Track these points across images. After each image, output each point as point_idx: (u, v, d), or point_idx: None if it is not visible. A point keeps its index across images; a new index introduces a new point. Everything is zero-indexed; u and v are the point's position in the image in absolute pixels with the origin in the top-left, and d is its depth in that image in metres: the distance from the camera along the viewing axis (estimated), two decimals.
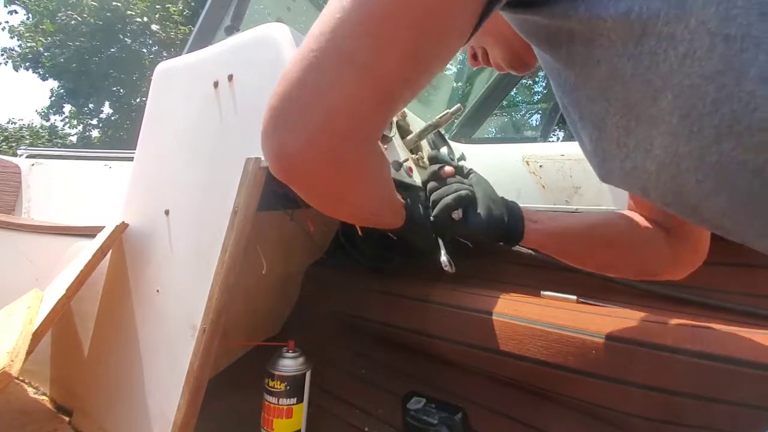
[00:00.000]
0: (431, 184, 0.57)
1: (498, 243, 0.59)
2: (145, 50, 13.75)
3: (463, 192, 0.55)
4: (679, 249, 0.60)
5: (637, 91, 0.33)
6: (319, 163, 0.34)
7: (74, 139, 15.17)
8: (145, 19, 12.68)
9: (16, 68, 13.50)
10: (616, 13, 0.30)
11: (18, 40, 13.29)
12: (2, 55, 13.53)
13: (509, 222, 0.57)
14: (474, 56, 0.60)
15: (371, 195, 0.44)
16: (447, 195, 0.55)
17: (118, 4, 12.23)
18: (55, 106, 14.65)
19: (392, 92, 0.33)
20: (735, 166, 0.30)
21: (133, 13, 12.42)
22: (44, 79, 13.68)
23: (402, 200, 0.54)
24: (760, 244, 0.36)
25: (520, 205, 0.60)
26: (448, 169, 0.58)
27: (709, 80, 0.28)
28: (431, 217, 0.55)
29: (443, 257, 0.55)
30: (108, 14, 12.17)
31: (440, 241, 0.56)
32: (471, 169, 0.61)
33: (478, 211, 0.55)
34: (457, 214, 0.54)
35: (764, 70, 0.26)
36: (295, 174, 0.36)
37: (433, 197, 0.56)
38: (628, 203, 0.65)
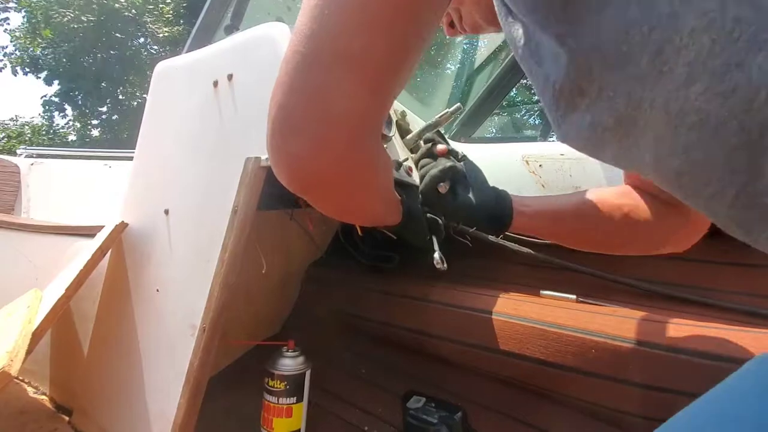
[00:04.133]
0: (423, 161, 0.56)
1: (490, 229, 0.57)
2: (142, 47, 13.73)
3: (449, 164, 0.54)
4: (678, 220, 0.58)
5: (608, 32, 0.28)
6: (333, 167, 0.34)
7: (74, 137, 15.17)
8: (134, 12, 12.63)
9: (14, 72, 13.52)
10: None
11: (14, 44, 13.32)
12: (1, 60, 13.58)
13: (498, 204, 0.56)
14: (451, 24, 0.57)
15: (380, 195, 0.44)
16: (435, 168, 0.54)
17: (106, 1, 12.17)
18: (53, 106, 14.63)
19: (384, 79, 0.33)
20: (696, 118, 0.26)
21: (122, 6, 12.34)
22: (48, 83, 13.69)
23: (399, 197, 0.54)
24: (708, 210, 0.31)
25: None
26: (440, 147, 0.57)
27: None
28: (419, 192, 0.54)
29: (436, 254, 0.55)
30: (94, 6, 12.08)
31: (434, 239, 0.56)
32: (465, 155, 0.60)
33: (467, 188, 0.54)
34: (443, 187, 0.53)
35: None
36: (312, 183, 0.35)
37: (421, 171, 0.55)
38: (624, 178, 0.62)
